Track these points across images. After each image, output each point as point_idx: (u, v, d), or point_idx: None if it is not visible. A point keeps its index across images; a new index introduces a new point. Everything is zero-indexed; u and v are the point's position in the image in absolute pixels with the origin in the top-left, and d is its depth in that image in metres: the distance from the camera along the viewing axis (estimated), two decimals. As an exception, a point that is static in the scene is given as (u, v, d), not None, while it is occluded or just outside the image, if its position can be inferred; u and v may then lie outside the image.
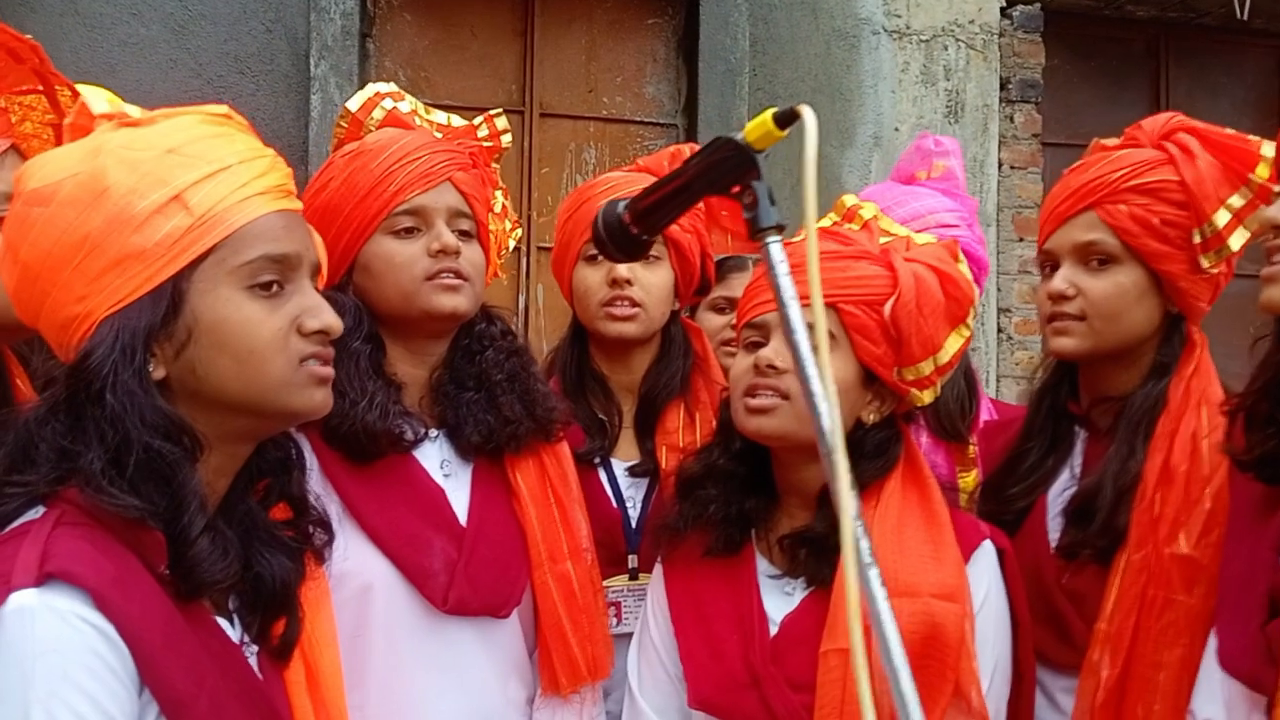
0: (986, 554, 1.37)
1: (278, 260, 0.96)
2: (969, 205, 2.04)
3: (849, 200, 1.57)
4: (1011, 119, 4.14)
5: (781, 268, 0.94)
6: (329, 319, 0.98)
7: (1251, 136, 1.50)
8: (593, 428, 1.73)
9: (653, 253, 1.70)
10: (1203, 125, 1.51)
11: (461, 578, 1.39)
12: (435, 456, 1.48)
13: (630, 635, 1.57)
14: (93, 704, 0.82)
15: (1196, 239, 1.46)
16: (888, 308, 1.31)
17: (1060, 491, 1.55)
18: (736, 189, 0.98)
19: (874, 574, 0.86)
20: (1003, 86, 4.13)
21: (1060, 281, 1.50)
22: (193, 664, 0.89)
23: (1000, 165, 4.11)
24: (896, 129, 4.07)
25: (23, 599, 0.82)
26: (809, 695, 1.27)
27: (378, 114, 1.57)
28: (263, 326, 0.94)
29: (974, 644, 1.27)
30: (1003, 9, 4.14)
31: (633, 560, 1.68)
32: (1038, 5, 4.15)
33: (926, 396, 1.39)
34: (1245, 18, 3.54)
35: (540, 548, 1.46)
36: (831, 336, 1.32)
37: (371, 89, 1.59)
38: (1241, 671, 1.21)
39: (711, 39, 3.97)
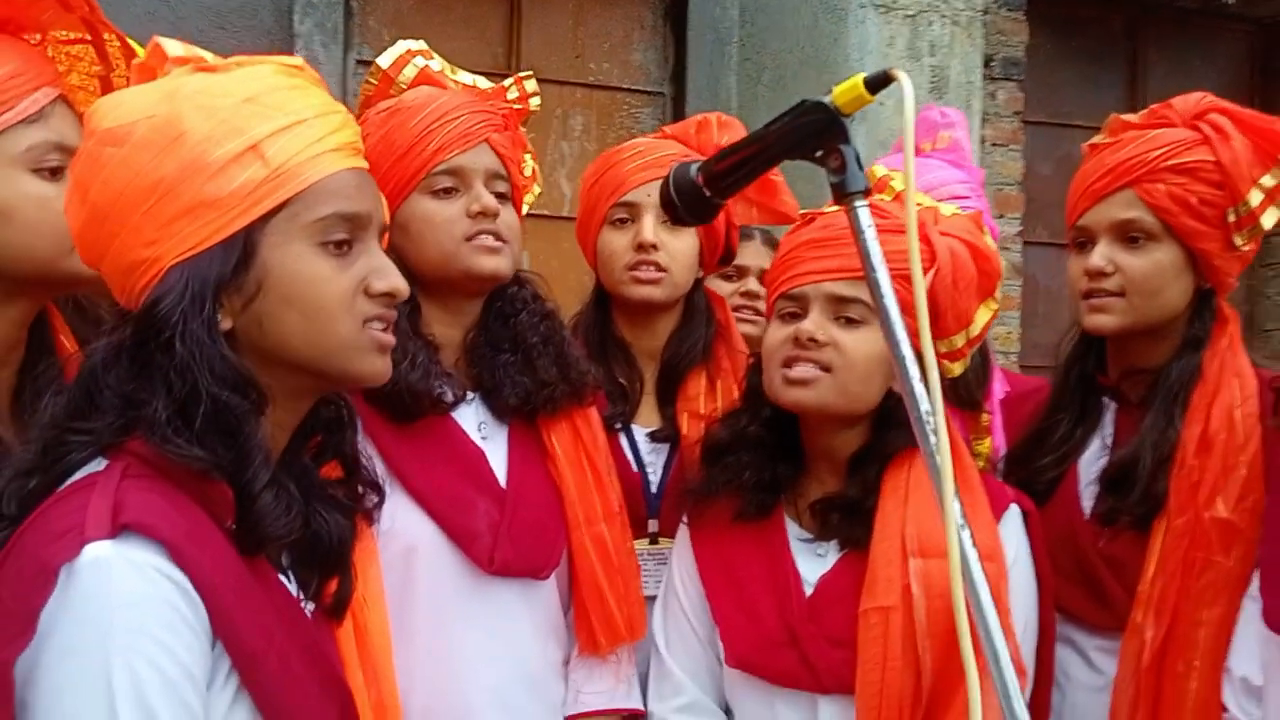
0: (1014, 516, 1.41)
1: (349, 219, 0.95)
2: (975, 175, 2.06)
3: (879, 170, 1.57)
4: (994, 96, 4.17)
5: (870, 233, 0.95)
6: (397, 281, 0.97)
7: None
8: (614, 393, 1.74)
9: None
10: (1233, 106, 1.54)
11: (505, 539, 1.41)
12: (473, 418, 1.48)
13: (651, 598, 1.59)
14: (171, 657, 0.81)
15: (1231, 218, 1.49)
16: (928, 280, 1.32)
17: (1092, 461, 1.59)
18: (820, 153, 0.98)
19: (968, 538, 0.87)
20: (986, 64, 4.16)
21: (1099, 258, 1.53)
22: (262, 619, 0.89)
23: (983, 142, 4.15)
24: (882, 103, 4.06)
25: (98, 550, 0.81)
26: (848, 651, 1.31)
27: (409, 71, 1.55)
28: (332, 284, 0.93)
29: (1009, 600, 1.30)
30: (988, -14, 4.16)
31: (653, 525, 1.70)
32: (1022, -16, 4.19)
33: (957, 368, 1.42)
34: (1231, 1, 3.60)
35: (577, 509, 1.48)
36: (869, 309, 1.33)
37: (402, 46, 1.57)
38: None
39: (701, 8, 3.95)
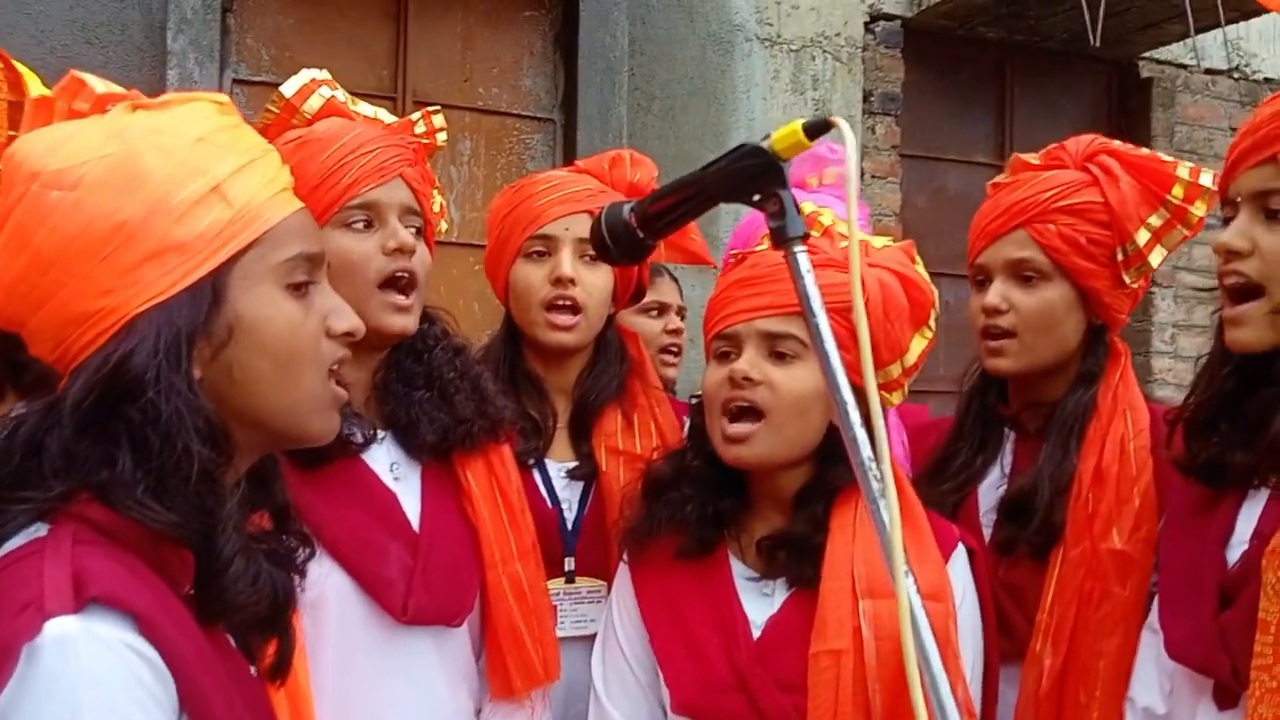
0: (961, 556, 1.41)
1: (311, 259, 0.91)
2: (863, 210, 2.11)
3: (808, 206, 1.58)
4: (873, 130, 4.31)
5: (809, 277, 0.95)
6: (355, 320, 0.94)
7: (1166, 157, 1.61)
8: (528, 428, 1.70)
9: (592, 254, 1.68)
10: (1123, 147, 1.61)
11: (419, 585, 1.36)
12: (384, 459, 1.43)
13: (568, 640, 1.56)
14: None
15: (1119, 256, 1.55)
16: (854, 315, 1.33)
17: (991, 489, 1.63)
18: (757, 197, 0.98)
19: (911, 585, 0.88)
20: (865, 99, 4.30)
21: (994, 296, 1.58)
22: (225, 691, 0.83)
23: (863, 174, 4.28)
24: (767, 135, 4.16)
25: (63, 627, 0.74)
26: (798, 696, 1.28)
27: (315, 102, 1.49)
28: (303, 328, 0.90)
29: (957, 640, 1.31)
30: (866, 24, 4.31)
31: (569, 563, 1.66)
32: (898, 22, 4.34)
33: (895, 398, 1.43)
34: (1097, 43, 3.81)
35: (493, 548, 1.45)
36: (801, 344, 1.33)
37: (307, 75, 1.51)
38: (1193, 659, 1.31)
39: (591, 36, 3.96)
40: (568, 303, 1.66)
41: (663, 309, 2.58)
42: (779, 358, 1.34)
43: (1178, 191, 1.54)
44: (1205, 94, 4.75)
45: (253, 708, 0.87)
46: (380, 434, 1.44)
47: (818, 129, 0.95)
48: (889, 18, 4.33)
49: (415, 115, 1.58)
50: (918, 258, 1.45)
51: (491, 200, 1.81)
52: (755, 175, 0.98)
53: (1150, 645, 1.44)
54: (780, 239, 0.96)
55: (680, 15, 4.10)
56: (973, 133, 4.67)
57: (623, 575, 1.49)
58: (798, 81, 4.23)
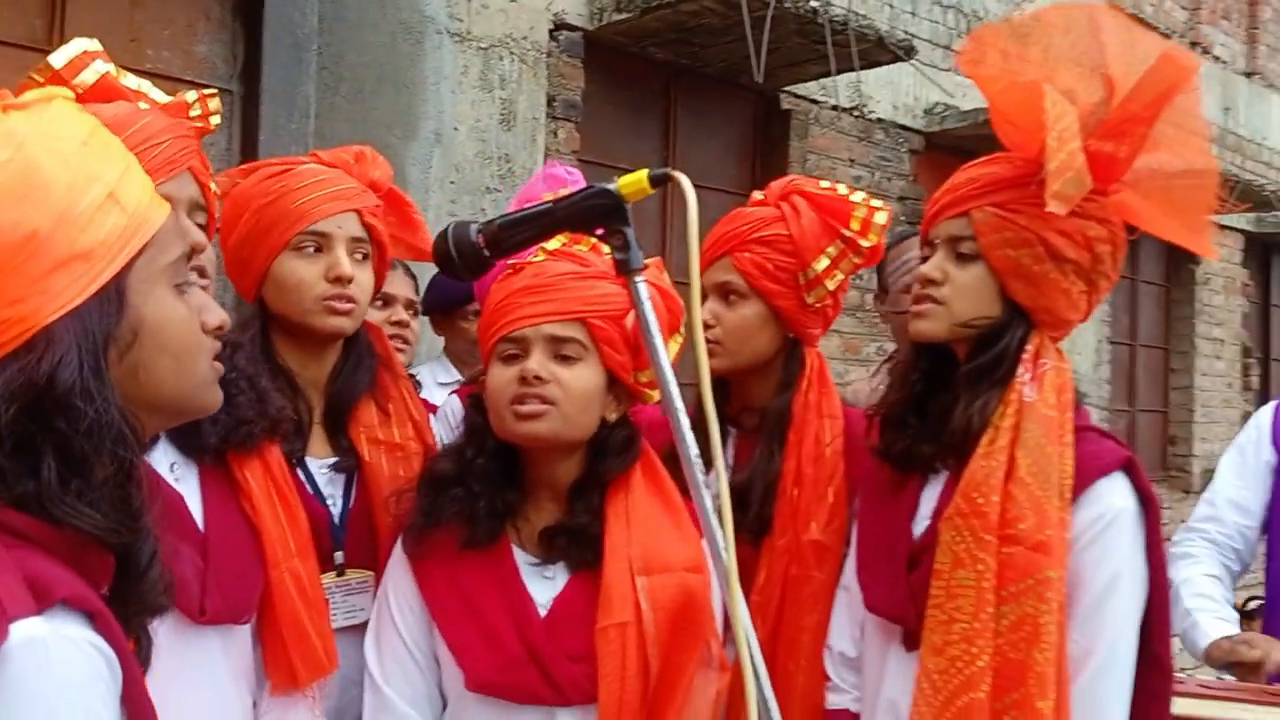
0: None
1: (188, 257, 0.95)
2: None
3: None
4: (556, 134, 4.52)
5: (648, 305, 1.11)
6: (223, 315, 0.99)
7: (854, 196, 1.86)
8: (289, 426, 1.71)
9: (364, 252, 1.72)
10: (813, 185, 1.87)
11: (212, 586, 1.36)
12: (164, 460, 1.41)
13: (341, 630, 1.60)
14: None
15: (801, 280, 1.81)
16: (629, 320, 1.50)
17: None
18: (602, 231, 1.12)
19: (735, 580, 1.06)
20: (550, 103, 4.50)
21: (707, 313, 1.82)
22: (143, 685, 0.86)
23: (544, 174, 4.48)
24: (456, 128, 4.25)
25: (31, 629, 0.75)
26: (587, 665, 1.44)
27: (88, 76, 1.42)
28: (192, 324, 0.94)
29: (713, 606, 1.52)
30: (551, 31, 4.51)
31: (339, 557, 1.69)
32: (579, 34, 4.58)
33: (655, 395, 1.62)
34: (760, 78, 4.26)
35: (274, 546, 1.47)
36: (583, 347, 1.49)
37: (79, 45, 1.43)
38: (888, 611, 1.61)
39: (277, 9, 3.81)
40: (345, 300, 1.68)
41: (388, 300, 2.62)
42: (564, 359, 1.49)
43: (854, 226, 1.81)
44: (831, 128, 5.46)
45: (149, 703, 0.89)
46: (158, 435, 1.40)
47: (660, 180, 1.11)
48: (571, 28, 4.56)
49: (191, 95, 1.53)
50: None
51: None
52: (603, 213, 1.12)
53: (843, 601, 1.75)
54: (623, 269, 1.11)
55: (373, 1, 4.06)
56: (644, 144, 5.03)
57: (400, 566, 1.57)
58: (486, 79, 4.34)
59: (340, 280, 1.65)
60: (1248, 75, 8.80)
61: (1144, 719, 1.50)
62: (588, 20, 4.59)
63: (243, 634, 1.46)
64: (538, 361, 1.47)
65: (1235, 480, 2.40)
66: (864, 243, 1.84)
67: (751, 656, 1.06)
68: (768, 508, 1.78)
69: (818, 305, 1.87)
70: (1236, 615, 2.26)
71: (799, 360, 1.89)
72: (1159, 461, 8.20)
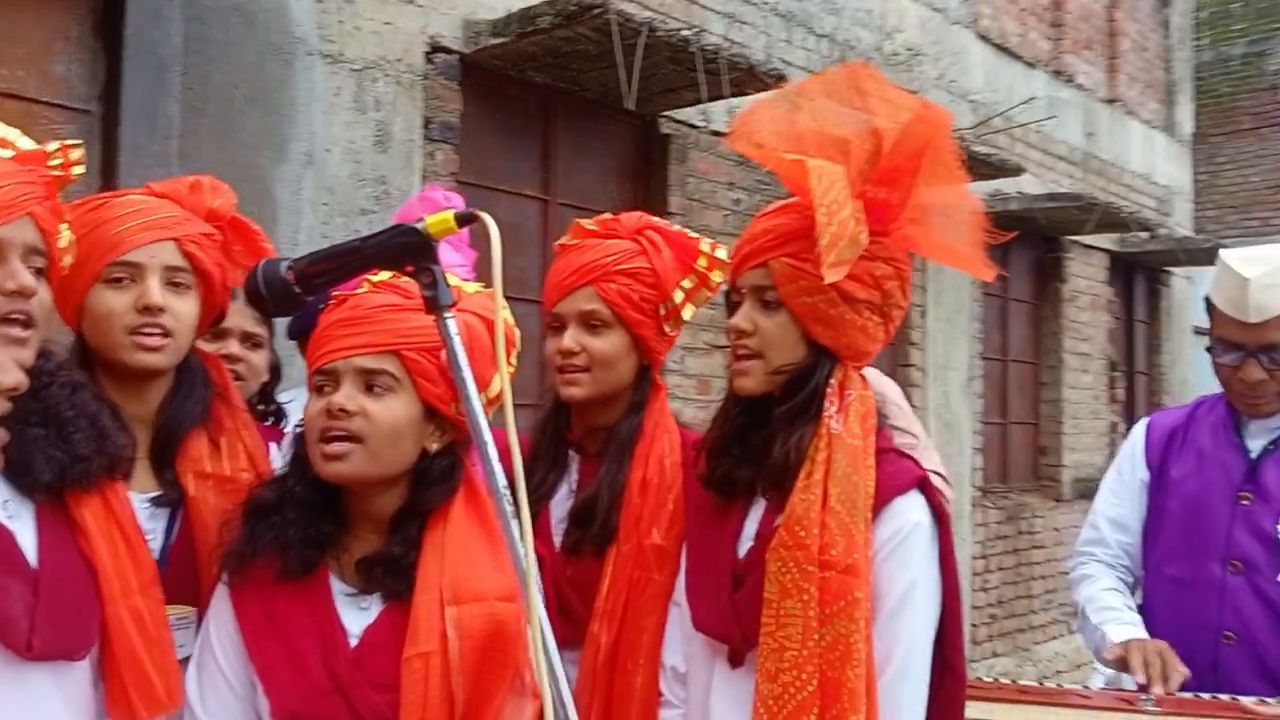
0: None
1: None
2: (470, 256, 2.34)
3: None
4: (433, 156, 4.52)
5: (457, 340, 1.14)
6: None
7: (692, 234, 2.01)
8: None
9: (183, 281, 1.70)
10: (662, 223, 2.00)
11: (42, 622, 1.35)
12: (-4, 497, 1.38)
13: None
14: None
15: (662, 311, 1.93)
16: (445, 354, 1.53)
17: (561, 503, 1.94)
18: (411, 268, 1.14)
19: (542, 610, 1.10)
20: (426, 125, 4.49)
21: (569, 340, 1.89)
22: None
23: (421, 197, 4.47)
24: (329, 150, 4.21)
25: None
26: (391, 694, 1.46)
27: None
28: None
29: (527, 635, 1.53)
30: (427, 54, 4.51)
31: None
32: (456, 57, 4.59)
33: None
34: (632, 106, 4.33)
35: (113, 583, 1.45)
36: (395, 379, 1.51)
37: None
38: (713, 630, 1.68)
39: (139, 29, 3.74)
40: (156, 330, 1.66)
41: (221, 334, 2.56)
42: (374, 391, 1.50)
43: (702, 262, 1.96)
44: (711, 152, 5.57)
45: None
46: None
47: (466, 219, 1.14)
48: (448, 51, 4.57)
49: (52, 145, 1.52)
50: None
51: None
52: (411, 250, 1.15)
53: (674, 616, 1.83)
54: (432, 305, 1.14)
55: (239, 20, 4.00)
56: (522, 166, 5.05)
57: (221, 595, 1.57)
58: (360, 101, 4.31)
59: (149, 310, 1.63)
60: (1109, 102, 9.27)
61: None
62: (464, 44, 4.60)
63: (79, 670, 1.44)
64: (345, 394, 1.49)
65: (1113, 499, 2.52)
66: (715, 278, 1.97)
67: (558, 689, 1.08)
68: (613, 518, 1.86)
69: (672, 334, 1.95)
70: (1139, 619, 2.34)
71: (649, 385, 1.97)
72: (1030, 472, 8.53)
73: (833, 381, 1.62)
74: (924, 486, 1.62)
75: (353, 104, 4.30)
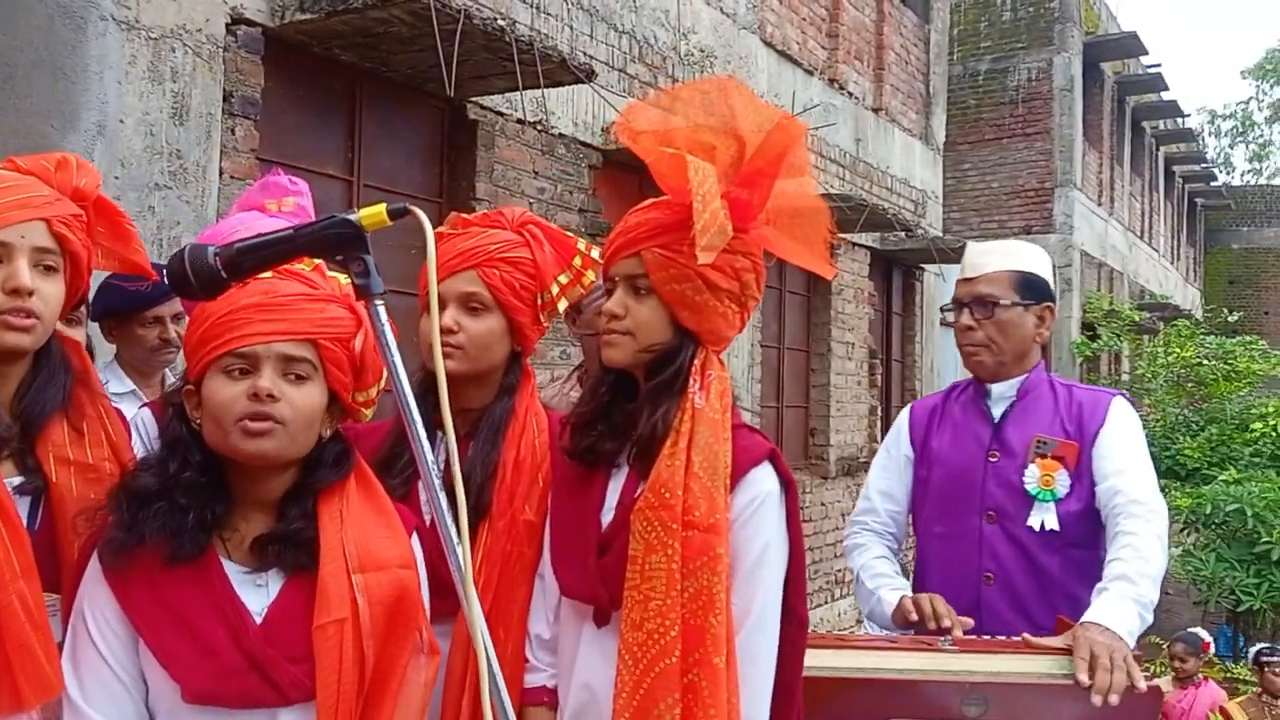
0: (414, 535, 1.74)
1: None
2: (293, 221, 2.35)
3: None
4: (233, 131, 4.37)
5: (387, 328, 1.21)
6: None
7: (569, 233, 2.14)
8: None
9: (51, 264, 1.66)
10: (542, 221, 2.11)
11: None
12: None
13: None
14: None
15: (539, 301, 2.04)
16: (358, 343, 1.59)
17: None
18: (342, 258, 1.21)
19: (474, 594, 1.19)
20: (226, 99, 4.34)
21: (449, 319, 1.96)
22: None
23: (221, 174, 4.32)
24: (122, 121, 4.00)
25: None
26: (307, 665, 1.50)
27: None
28: None
29: (423, 599, 1.65)
30: (228, 25, 4.35)
31: (25, 580, 1.63)
32: (259, 30, 4.45)
33: (369, 413, 1.70)
34: (452, 93, 4.33)
35: (1, 569, 1.42)
36: (313, 367, 1.55)
37: None
38: (581, 594, 1.83)
39: (-92, -22, 3.43)
40: (23, 313, 1.62)
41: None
42: (294, 378, 1.55)
43: (578, 260, 2.10)
44: (517, 140, 5.65)
45: None
46: None
47: (399, 214, 1.22)
48: (250, 23, 4.42)
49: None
50: None
51: None
52: (343, 241, 1.21)
53: (539, 588, 1.97)
54: (363, 293, 1.21)
55: (25, -23, 3.73)
56: (326, 146, 4.95)
57: (97, 584, 1.55)
58: (156, 70, 4.12)
59: (18, 292, 1.59)
60: (875, 111, 10.01)
61: (784, 664, 1.81)
62: (268, 17, 4.47)
63: None
64: (269, 379, 1.51)
65: (883, 474, 2.84)
66: (588, 276, 2.12)
67: (482, 636, 1.18)
68: (486, 494, 1.95)
69: (545, 324, 2.07)
70: (908, 583, 2.65)
71: (519, 370, 2.07)
72: (802, 451, 9.15)
73: (695, 362, 1.79)
74: (774, 458, 1.81)
75: (148, 73, 4.09)
